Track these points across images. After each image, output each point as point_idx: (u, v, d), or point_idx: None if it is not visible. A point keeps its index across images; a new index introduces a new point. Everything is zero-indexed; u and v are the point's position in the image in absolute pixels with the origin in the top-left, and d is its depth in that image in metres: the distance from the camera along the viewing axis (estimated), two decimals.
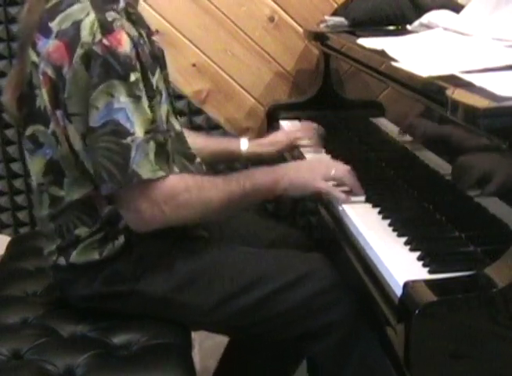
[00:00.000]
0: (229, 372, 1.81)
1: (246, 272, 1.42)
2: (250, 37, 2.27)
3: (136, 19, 1.37)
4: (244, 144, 1.77)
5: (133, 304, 1.42)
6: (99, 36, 1.26)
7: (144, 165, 1.28)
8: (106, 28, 1.27)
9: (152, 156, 1.29)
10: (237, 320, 1.42)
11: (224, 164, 2.16)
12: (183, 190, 1.33)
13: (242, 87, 2.30)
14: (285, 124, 2.10)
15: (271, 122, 2.17)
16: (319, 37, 2.04)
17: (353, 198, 1.43)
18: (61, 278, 1.46)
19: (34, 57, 1.33)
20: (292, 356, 1.73)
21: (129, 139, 1.27)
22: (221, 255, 1.46)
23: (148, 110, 1.30)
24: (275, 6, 2.25)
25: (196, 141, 1.69)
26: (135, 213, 1.32)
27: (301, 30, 2.26)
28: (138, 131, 1.27)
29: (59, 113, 1.32)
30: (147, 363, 1.31)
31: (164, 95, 1.42)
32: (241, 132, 2.32)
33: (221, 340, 1.83)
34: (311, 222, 2.37)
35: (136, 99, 1.28)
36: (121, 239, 1.39)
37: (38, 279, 1.60)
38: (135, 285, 1.40)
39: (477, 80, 1.16)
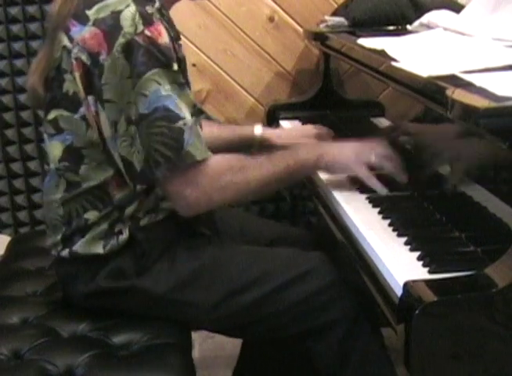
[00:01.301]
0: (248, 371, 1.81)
1: (247, 271, 1.42)
2: (250, 38, 2.27)
3: (168, 22, 1.39)
4: (258, 129, 1.80)
5: (134, 301, 1.42)
6: (140, 27, 1.29)
7: (197, 147, 1.31)
8: (147, 20, 1.30)
9: (201, 138, 1.33)
10: (237, 319, 1.42)
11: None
12: (226, 170, 1.36)
13: (242, 87, 2.30)
14: (285, 124, 2.10)
15: (271, 122, 2.17)
16: (319, 37, 2.04)
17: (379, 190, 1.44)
18: (63, 273, 1.46)
19: (66, 42, 1.34)
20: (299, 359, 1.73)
21: (181, 122, 1.30)
22: (222, 253, 1.46)
23: (191, 95, 1.35)
24: (275, 6, 2.25)
25: (212, 130, 1.73)
26: (180, 199, 1.35)
27: (301, 30, 2.26)
28: (187, 116, 1.31)
29: (90, 98, 1.33)
30: (147, 362, 1.31)
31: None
32: None
33: (221, 340, 1.83)
34: (311, 222, 2.36)
35: (180, 85, 1.32)
36: (125, 234, 1.39)
37: (38, 279, 1.60)
38: (136, 282, 1.40)
39: (477, 80, 1.16)
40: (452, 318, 0.99)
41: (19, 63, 2.18)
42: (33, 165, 2.27)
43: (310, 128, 1.86)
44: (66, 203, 1.41)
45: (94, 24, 1.31)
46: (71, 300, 1.47)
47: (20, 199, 2.29)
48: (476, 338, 1.01)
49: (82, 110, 1.35)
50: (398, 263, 1.15)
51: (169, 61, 1.31)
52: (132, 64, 1.29)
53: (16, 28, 2.18)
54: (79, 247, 1.40)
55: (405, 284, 1.03)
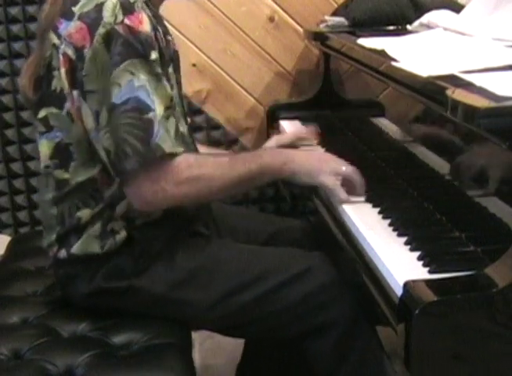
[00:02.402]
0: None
1: (247, 270, 1.42)
2: (250, 37, 2.27)
3: (155, 16, 1.39)
4: None
5: (133, 300, 1.42)
6: (120, 17, 1.29)
7: (166, 140, 1.30)
8: (128, 9, 1.30)
9: (172, 132, 1.32)
10: (236, 318, 1.42)
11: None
12: (184, 168, 1.34)
13: (242, 87, 2.30)
14: (285, 124, 2.10)
15: (271, 122, 2.17)
16: (319, 37, 2.04)
17: (353, 199, 1.43)
18: (62, 274, 1.46)
19: (54, 40, 1.35)
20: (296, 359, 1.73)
21: (151, 114, 1.29)
22: (221, 252, 1.46)
23: (167, 87, 1.33)
24: (275, 6, 2.25)
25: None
26: (136, 192, 1.33)
27: (301, 30, 2.26)
28: (159, 109, 1.30)
29: (75, 92, 1.34)
30: (147, 362, 1.31)
31: (175, 92, 1.43)
32: (241, 132, 2.33)
33: (221, 340, 1.83)
34: (312, 222, 2.36)
35: (156, 76, 1.31)
36: (123, 233, 1.39)
37: (38, 279, 1.60)
38: (135, 281, 1.40)
39: (477, 80, 1.16)
40: (452, 318, 0.99)
41: (19, 63, 2.18)
42: (33, 165, 2.27)
43: (282, 138, 1.81)
44: (58, 202, 1.42)
45: (79, 18, 1.32)
46: (70, 300, 1.47)
47: (20, 199, 2.30)
48: (476, 337, 1.01)
49: (67, 105, 1.36)
50: (398, 263, 1.15)
51: (147, 51, 1.30)
52: (111, 54, 1.29)
53: (16, 28, 2.18)
54: (76, 248, 1.40)
55: (405, 284, 1.03)
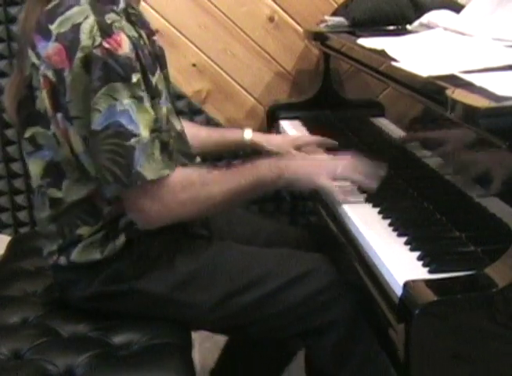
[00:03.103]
0: (225, 372, 1.82)
1: (247, 271, 1.42)
2: (250, 37, 2.27)
3: (136, 20, 1.36)
4: (248, 134, 1.77)
5: (134, 303, 1.42)
6: (98, 39, 1.25)
7: (149, 166, 1.28)
8: (106, 31, 1.26)
9: (157, 154, 1.30)
10: (237, 319, 1.42)
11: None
12: (187, 186, 1.34)
13: (242, 87, 2.30)
14: (285, 124, 2.10)
15: (271, 122, 2.17)
16: (319, 37, 2.04)
17: (351, 199, 1.43)
18: (61, 278, 1.46)
19: (34, 59, 1.32)
20: (284, 354, 1.73)
21: (133, 140, 1.27)
22: (221, 254, 1.46)
23: (151, 110, 1.31)
24: (275, 6, 2.25)
25: (200, 133, 1.71)
26: (140, 212, 1.33)
27: (301, 30, 2.26)
28: (143, 132, 1.28)
29: (59, 115, 1.32)
30: (147, 363, 1.31)
31: (164, 95, 1.41)
32: None
33: (221, 340, 1.83)
34: (311, 222, 2.37)
35: (139, 100, 1.28)
36: (122, 238, 1.39)
37: (38, 279, 1.60)
38: (135, 284, 1.40)
39: (477, 80, 1.16)
40: (452, 318, 0.99)
41: None
42: None
43: (303, 137, 1.83)
44: (55, 220, 1.40)
45: (57, 39, 1.28)
46: (70, 303, 1.46)
47: (20, 199, 2.29)
48: (476, 337, 1.01)
49: (52, 127, 1.34)
50: (398, 263, 1.15)
51: (128, 74, 1.27)
52: (90, 79, 1.26)
53: (16, 28, 2.18)
54: (75, 256, 1.39)
55: (405, 284, 1.03)
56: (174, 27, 2.22)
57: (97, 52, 1.25)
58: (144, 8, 2.10)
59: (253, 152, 1.80)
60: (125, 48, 1.27)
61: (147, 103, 1.30)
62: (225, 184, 1.37)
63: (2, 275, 1.65)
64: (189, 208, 1.35)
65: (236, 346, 1.79)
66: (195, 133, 1.64)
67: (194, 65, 2.26)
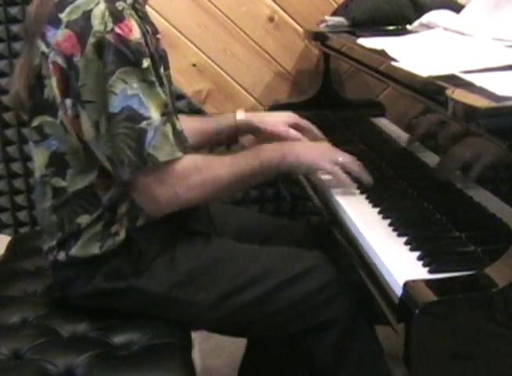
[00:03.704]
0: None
1: (247, 270, 1.42)
2: (250, 37, 2.27)
3: (143, 16, 1.38)
4: (240, 115, 1.75)
5: (133, 301, 1.42)
6: (110, 25, 1.28)
7: (162, 148, 1.30)
8: (117, 17, 1.29)
9: (171, 137, 1.32)
10: (236, 318, 1.42)
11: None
12: (194, 171, 1.35)
13: (242, 87, 2.30)
14: None
15: None
16: (319, 37, 2.04)
17: (350, 190, 1.45)
18: (61, 276, 1.45)
19: (43, 48, 1.34)
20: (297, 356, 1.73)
21: (144, 123, 1.29)
22: (221, 252, 1.46)
23: (162, 94, 1.33)
24: (275, 6, 2.25)
25: (194, 125, 1.70)
26: (150, 197, 1.34)
27: (301, 30, 2.26)
28: (154, 115, 1.30)
29: (68, 101, 1.33)
30: (147, 362, 1.31)
31: (168, 91, 1.41)
32: None
33: (221, 340, 1.83)
34: (312, 221, 2.37)
35: (149, 84, 1.30)
36: (122, 234, 1.39)
37: (38, 279, 1.60)
38: (135, 282, 1.40)
39: (477, 80, 1.16)
40: (452, 318, 0.99)
41: None
42: (33, 165, 2.26)
43: (292, 116, 1.78)
44: (56, 210, 1.41)
45: (67, 26, 1.30)
46: (70, 301, 1.46)
47: (20, 199, 2.29)
48: (476, 337, 1.01)
49: (60, 114, 1.35)
50: (398, 263, 1.15)
51: (139, 59, 1.30)
52: (104, 63, 1.28)
53: (16, 28, 2.18)
54: (75, 250, 1.40)
55: (405, 284, 1.03)
56: (174, 27, 2.22)
57: (109, 37, 1.27)
58: None
59: (250, 132, 1.76)
60: (136, 33, 1.30)
61: (158, 87, 1.32)
62: (230, 167, 1.39)
63: (2, 275, 1.66)
64: (197, 193, 1.37)
65: (257, 348, 1.79)
66: (189, 125, 1.64)
67: (194, 65, 2.26)
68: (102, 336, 1.39)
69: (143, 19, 1.37)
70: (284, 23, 2.27)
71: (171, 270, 1.41)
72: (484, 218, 1.23)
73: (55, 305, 1.49)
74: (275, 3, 2.25)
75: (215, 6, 2.23)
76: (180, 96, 2.25)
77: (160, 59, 1.42)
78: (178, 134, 1.35)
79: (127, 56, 1.28)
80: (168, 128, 1.32)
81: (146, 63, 1.30)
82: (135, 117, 1.29)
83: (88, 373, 1.29)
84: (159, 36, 1.46)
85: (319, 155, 1.46)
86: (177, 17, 2.22)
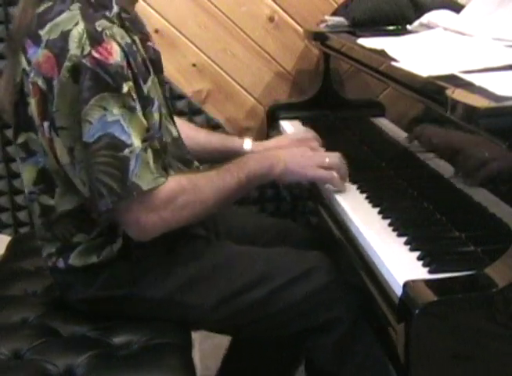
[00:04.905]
0: (232, 372, 1.81)
1: (248, 272, 1.42)
2: (250, 37, 2.27)
3: (130, 25, 1.33)
4: (248, 144, 1.74)
5: (133, 306, 1.41)
6: (87, 48, 1.22)
7: (145, 175, 1.26)
8: (96, 39, 1.23)
9: (152, 163, 1.28)
10: (238, 319, 1.42)
11: (225, 161, 2.12)
12: (179, 193, 1.32)
13: (242, 87, 2.30)
14: (285, 124, 2.10)
15: (271, 122, 2.17)
16: (319, 37, 2.04)
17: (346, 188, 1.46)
18: (60, 281, 1.45)
19: (24, 64, 1.30)
20: (293, 356, 1.73)
21: (127, 150, 1.24)
22: (220, 255, 1.46)
23: (143, 119, 1.28)
24: (275, 6, 2.25)
25: (199, 136, 1.69)
26: (135, 224, 1.31)
27: (301, 30, 2.26)
28: (136, 142, 1.25)
29: (45, 124, 1.30)
30: (147, 363, 1.31)
31: (157, 102, 1.38)
32: (241, 132, 2.32)
33: (221, 340, 1.83)
34: (311, 222, 2.36)
35: (130, 109, 1.25)
36: (119, 242, 1.38)
37: (38, 279, 1.60)
38: (133, 288, 1.40)
39: (477, 80, 1.16)
40: (452, 318, 0.99)
41: None
42: None
43: (297, 137, 1.77)
44: (48, 228, 1.39)
45: (46, 46, 1.25)
46: (69, 304, 1.46)
47: (20, 199, 2.29)
48: (476, 337, 1.01)
49: (39, 135, 1.32)
50: (398, 263, 1.15)
51: (119, 83, 1.24)
52: (79, 89, 1.22)
53: None
54: (73, 259, 1.39)
55: (405, 284, 1.03)
56: (174, 27, 2.22)
57: (86, 61, 1.22)
58: (144, 8, 2.11)
59: None
60: (116, 56, 1.24)
61: (139, 112, 1.27)
62: (215, 184, 1.36)
63: (2, 275, 1.66)
64: (184, 214, 1.34)
65: (240, 348, 1.79)
66: (194, 136, 1.64)
67: (194, 65, 2.26)
68: (102, 336, 1.39)
69: (130, 28, 1.32)
70: (284, 23, 2.27)
71: (170, 275, 1.40)
72: (484, 218, 1.23)
73: (55, 305, 1.49)
74: (275, 3, 2.25)
75: (215, 6, 2.23)
76: (180, 96, 2.26)
77: (152, 63, 1.39)
78: (159, 158, 1.32)
79: (105, 81, 1.22)
80: (149, 154, 1.27)
81: (126, 87, 1.24)
82: (116, 145, 1.23)
83: (88, 373, 1.29)
84: (150, 43, 1.42)
85: (308, 161, 1.45)
86: (177, 17, 2.22)
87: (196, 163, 1.55)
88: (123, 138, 1.24)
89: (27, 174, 1.39)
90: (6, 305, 1.50)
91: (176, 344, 1.37)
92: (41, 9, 1.30)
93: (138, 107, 1.28)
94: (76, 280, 1.41)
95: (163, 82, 1.47)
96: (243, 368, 1.78)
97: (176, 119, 1.56)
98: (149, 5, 2.17)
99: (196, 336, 1.86)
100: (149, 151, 1.28)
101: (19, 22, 1.33)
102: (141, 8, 1.46)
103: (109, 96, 1.23)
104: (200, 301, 1.40)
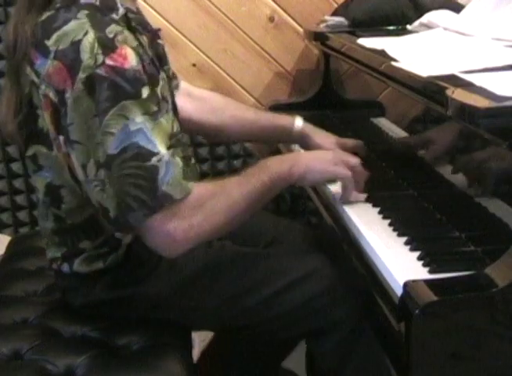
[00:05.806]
0: (215, 363, 1.81)
1: (249, 274, 1.41)
2: (250, 37, 2.27)
3: (136, 25, 1.29)
4: (299, 121, 1.68)
5: (136, 309, 1.41)
6: (100, 58, 1.17)
7: (176, 184, 1.21)
8: (108, 47, 1.18)
9: (180, 171, 1.22)
10: (238, 321, 1.42)
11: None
12: (209, 197, 1.26)
13: (242, 87, 2.30)
14: None
15: None
16: (319, 37, 2.04)
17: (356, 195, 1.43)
18: (64, 284, 1.45)
19: (33, 77, 1.24)
20: (282, 350, 1.73)
21: (154, 159, 1.18)
22: (222, 257, 1.45)
23: (166, 124, 1.24)
24: (275, 6, 2.25)
25: (246, 116, 1.67)
26: (167, 237, 1.23)
27: (301, 30, 2.26)
28: (162, 150, 1.20)
29: (61, 138, 1.24)
30: (147, 363, 1.31)
31: (170, 100, 1.36)
32: None
33: None
34: (311, 222, 2.37)
35: (152, 115, 1.21)
36: (124, 247, 1.37)
37: (38, 279, 1.60)
38: (136, 289, 1.39)
39: (477, 80, 1.16)
40: (452, 318, 0.99)
41: None
42: None
43: (344, 140, 1.72)
44: (58, 233, 1.38)
45: (55, 57, 1.19)
46: (71, 306, 1.45)
47: (20, 199, 2.29)
48: (476, 337, 1.01)
49: (54, 149, 1.28)
50: (398, 263, 1.15)
51: (137, 89, 1.19)
52: (96, 101, 1.17)
53: None
54: (79, 266, 1.37)
55: (405, 284, 1.03)
56: (174, 27, 2.22)
57: (101, 71, 1.17)
58: (144, 8, 2.10)
59: (299, 142, 1.72)
60: (131, 60, 1.19)
61: (162, 118, 1.23)
62: (242, 188, 1.30)
63: (2, 275, 1.65)
64: (216, 220, 1.27)
65: (225, 342, 1.78)
66: (241, 115, 1.60)
67: (194, 65, 2.26)
68: (103, 336, 1.39)
69: (137, 29, 1.29)
70: (284, 23, 2.27)
71: (173, 276, 1.40)
72: (484, 218, 1.23)
73: (56, 305, 1.49)
74: (275, 3, 2.25)
75: (215, 6, 2.23)
76: None
77: (159, 59, 1.37)
78: (186, 165, 1.27)
79: (123, 88, 1.17)
80: (177, 160, 1.22)
81: (145, 92, 1.20)
82: (143, 155, 1.18)
83: (88, 373, 1.29)
84: (160, 41, 1.40)
85: (328, 158, 1.40)
86: (177, 17, 2.22)
87: (193, 160, 1.54)
88: (149, 146, 1.19)
89: (38, 184, 1.36)
90: (6, 305, 1.50)
91: (176, 344, 1.37)
92: (44, 17, 1.24)
93: (160, 112, 1.23)
94: (80, 284, 1.40)
95: (169, 74, 1.43)
96: (227, 358, 1.78)
97: (223, 97, 1.55)
98: (149, 5, 2.17)
99: (196, 336, 1.86)
100: (177, 158, 1.24)
101: (15, 38, 1.27)
102: (141, 8, 1.45)
103: (129, 104, 1.18)
104: (201, 302, 1.40)
